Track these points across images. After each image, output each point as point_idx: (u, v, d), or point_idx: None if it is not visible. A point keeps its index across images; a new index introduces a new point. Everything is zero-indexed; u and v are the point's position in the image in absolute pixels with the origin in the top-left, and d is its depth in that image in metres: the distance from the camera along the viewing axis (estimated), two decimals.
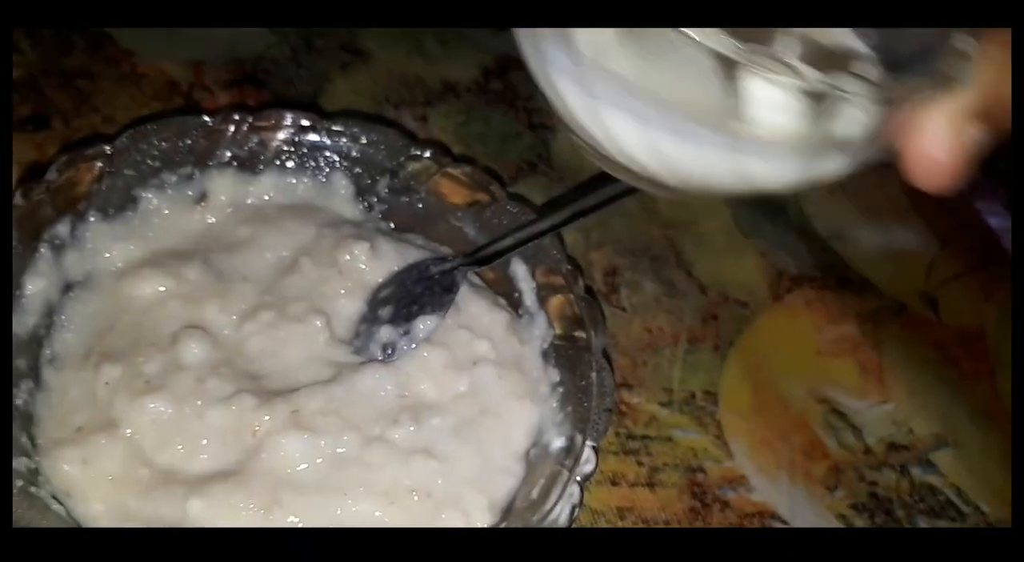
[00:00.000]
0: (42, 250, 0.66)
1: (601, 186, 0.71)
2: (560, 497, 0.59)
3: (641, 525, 0.74)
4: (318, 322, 0.69)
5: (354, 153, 0.79)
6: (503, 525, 0.61)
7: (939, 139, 0.36)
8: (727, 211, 1.04)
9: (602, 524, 0.73)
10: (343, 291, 0.72)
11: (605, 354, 0.68)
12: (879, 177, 0.83)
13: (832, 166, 0.39)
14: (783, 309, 0.95)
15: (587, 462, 0.61)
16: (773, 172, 0.38)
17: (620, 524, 0.73)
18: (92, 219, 0.70)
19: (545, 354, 0.72)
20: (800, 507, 0.78)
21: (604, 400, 0.65)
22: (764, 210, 1.05)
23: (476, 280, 0.77)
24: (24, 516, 0.52)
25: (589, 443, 0.62)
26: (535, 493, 0.61)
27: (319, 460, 0.61)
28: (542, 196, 0.98)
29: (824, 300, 0.94)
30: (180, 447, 0.61)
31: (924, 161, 0.36)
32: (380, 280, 0.73)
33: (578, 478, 0.60)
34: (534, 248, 0.74)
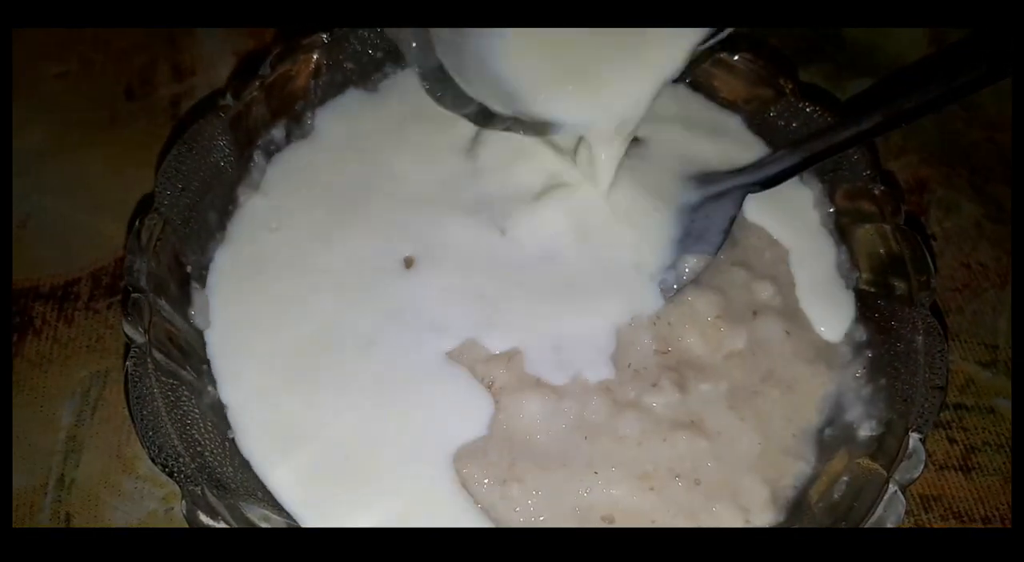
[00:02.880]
0: (256, 159, 0.58)
1: (930, 79, 0.53)
2: (876, 503, 0.45)
3: (952, 521, 0.58)
4: None
5: None
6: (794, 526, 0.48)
7: None
8: None
9: None
10: None
11: (935, 310, 0.52)
12: None
13: None
14: None
15: (911, 460, 0.46)
16: None
17: (924, 518, 0.58)
18: (310, 122, 0.61)
19: None
20: None
21: (934, 374, 0.49)
22: None
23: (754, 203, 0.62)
24: None
25: (914, 435, 0.47)
26: (837, 492, 0.47)
27: (563, 426, 0.51)
28: (828, 87, 0.79)
29: None
30: None
31: None
32: None
33: (897, 478, 0.46)
34: (833, 161, 0.58)
